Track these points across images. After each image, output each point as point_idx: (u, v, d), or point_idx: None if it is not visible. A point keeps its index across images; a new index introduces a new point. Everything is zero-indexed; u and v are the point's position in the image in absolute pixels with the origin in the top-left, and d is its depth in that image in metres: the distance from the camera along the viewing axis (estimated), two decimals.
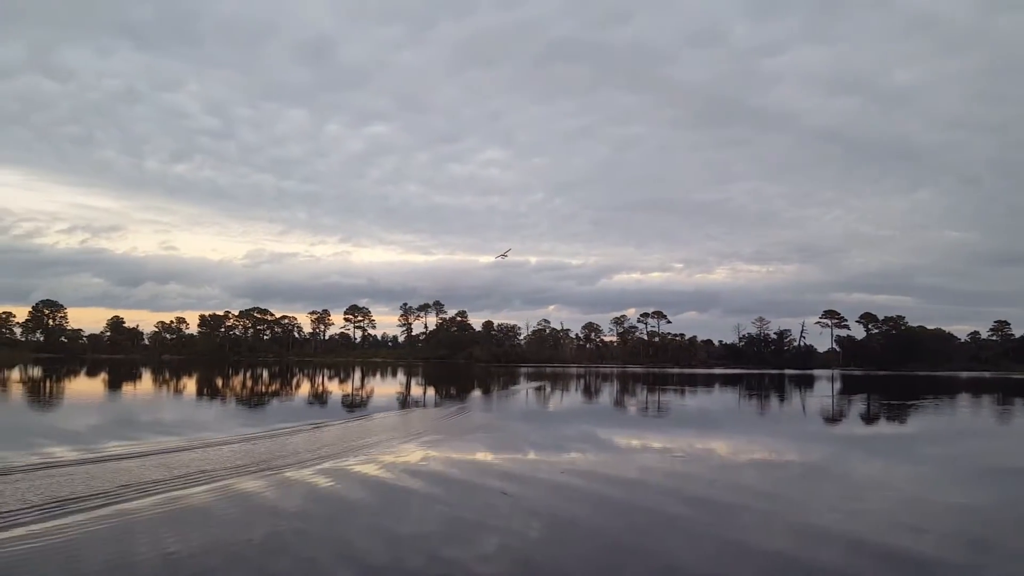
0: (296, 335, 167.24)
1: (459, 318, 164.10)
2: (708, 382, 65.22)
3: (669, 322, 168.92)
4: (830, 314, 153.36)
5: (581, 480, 12.88)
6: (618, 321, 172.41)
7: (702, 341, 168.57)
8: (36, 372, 63.80)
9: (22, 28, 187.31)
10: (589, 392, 47.35)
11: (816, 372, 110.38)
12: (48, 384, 46.06)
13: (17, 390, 39.12)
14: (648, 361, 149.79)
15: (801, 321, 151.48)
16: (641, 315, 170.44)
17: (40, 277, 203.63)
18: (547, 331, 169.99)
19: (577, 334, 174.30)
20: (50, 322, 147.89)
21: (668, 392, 47.40)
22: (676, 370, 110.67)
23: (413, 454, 15.60)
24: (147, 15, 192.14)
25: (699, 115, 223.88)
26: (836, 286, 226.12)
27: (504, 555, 8.17)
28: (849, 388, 58.67)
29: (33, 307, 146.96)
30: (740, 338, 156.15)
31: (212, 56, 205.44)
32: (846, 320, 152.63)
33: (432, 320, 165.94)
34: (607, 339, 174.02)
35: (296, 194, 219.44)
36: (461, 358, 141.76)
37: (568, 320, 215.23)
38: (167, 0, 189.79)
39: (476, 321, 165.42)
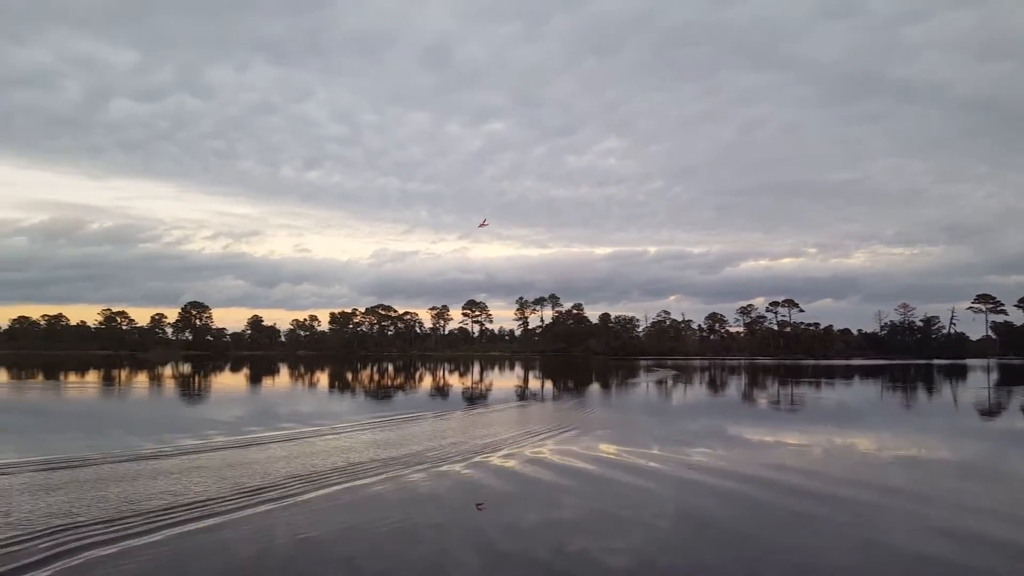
0: (417, 330, 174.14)
1: (575, 311, 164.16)
2: (847, 374, 61.34)
3: (801, 311, 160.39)
4: (984, 298, 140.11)
5: (710, 476, 12.65)
6: (745, 311, 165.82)
7: (839, 330, 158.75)
8: (186, 368, 70.67)
9: (172, 52, 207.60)
10: (714, 385, 45.98)
11: (969, 362, 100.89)
12: (197, 379, 50.94)
13: (170, 384, 43.62)
14: (779, 352, 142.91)
15: (950, 307, 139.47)
16: (770, 304, 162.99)
17: (188, 280, 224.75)
18: (667, 323, 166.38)
19: (700, 325, 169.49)
20: (197, 322, 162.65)
21: (802, 385, 45.11)
22: (811, 362, 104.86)
23: (535, 447, 15.94)
24: (279, 31, 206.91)
25: (831, 91, 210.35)
26: (990, 268, 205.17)
27: (636, 550, 8.25)
28: (1008, 379, 53.21)
29: (182, 308, 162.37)
30: (882, 326, 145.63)
31: (339, 66, 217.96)
32: (1003, 304, 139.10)
33: (548, 314, 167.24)
34: (733, 330, 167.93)
35: (418, 194, 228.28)
36: (578, 351, 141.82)
37: (690, 311, 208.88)
38: (297, 15, 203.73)
39: (593, 314, 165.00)
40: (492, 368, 75.78)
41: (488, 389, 40.43)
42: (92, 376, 52.29)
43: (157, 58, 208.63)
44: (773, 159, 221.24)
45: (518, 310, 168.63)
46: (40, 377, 49.81)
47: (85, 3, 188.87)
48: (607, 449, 15.78)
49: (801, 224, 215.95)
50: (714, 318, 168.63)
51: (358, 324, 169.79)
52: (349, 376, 56.17)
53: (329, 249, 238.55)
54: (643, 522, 9.35)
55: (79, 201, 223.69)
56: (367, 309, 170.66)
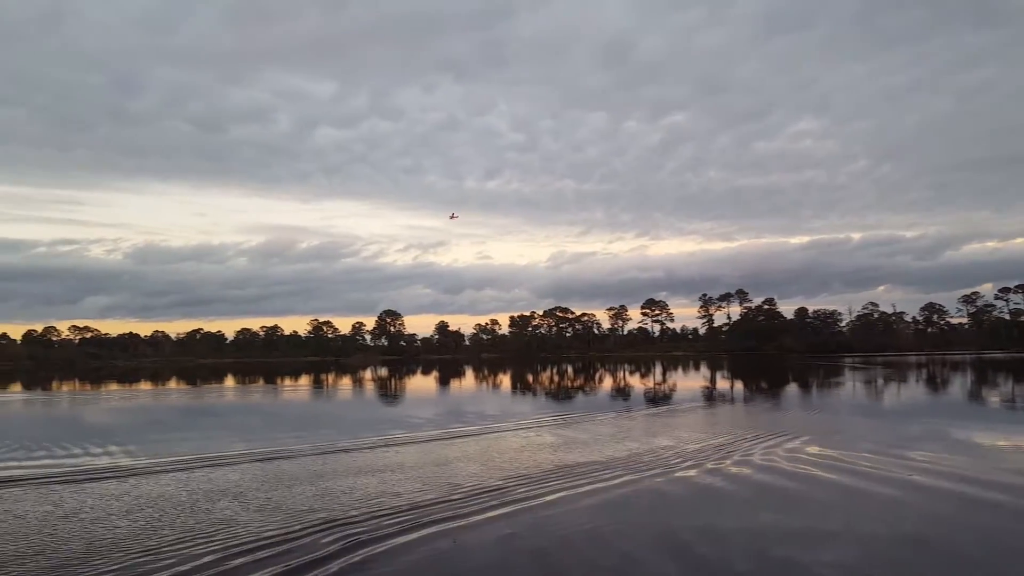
0: (595, 331, 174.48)
1: (766, 306, 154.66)
2: None
3: None
4: None
5: (936, 482, 11.27)
6: (968, 299, 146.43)
7: None
8: (383, 372, 76.77)
9: (365, 79, 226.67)
10: (934, 383, 40.98)
11: None
12: (394, 381, 55.09)
13: (370, 387, 47.56)
14: (1013, 346, 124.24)
15: None
16: (1000, 291, 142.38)
17: (383, 290, 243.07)
18: (875, 315, 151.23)
19: (914, 317, 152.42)
20: (391, 328, 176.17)
21: None
22: None
23: (744, 452, 15.22)
24: (464, 49, 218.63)
25: None
26: None
27: (852, 563, 7.55)
28: None
29: (378, 316, 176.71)
30: None
31: (518, 75, 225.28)
32: None
33: (735, 310, 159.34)
34: (954, 321, 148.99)
35: (594, 195, 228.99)
36: (770, 349, 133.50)
37: (902, 302, 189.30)
38: (480, 31, 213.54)
39: (786, 308, 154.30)
40: (676, 368, 73.75)
41: (672, 389, 39.37)
42: (304, 380, 58.64)
43: (352, 86, 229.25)
44: (1001, 129, 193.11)
45: (702, 307, 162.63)
46: (261, 381, 56.78)
47: (292, 43, 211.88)
48: (814, 452, 14.64)
49: None
50: (931, 309, 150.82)
51: (537, 326, 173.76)
52: (530, 377, 57.61)
53: (508, 254, 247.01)
54: (855, 534, 8.52)
55: (290, 223, 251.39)
56: (545, 311, 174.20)
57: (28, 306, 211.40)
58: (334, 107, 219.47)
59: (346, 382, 54.66)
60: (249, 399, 36.68)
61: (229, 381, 58.48)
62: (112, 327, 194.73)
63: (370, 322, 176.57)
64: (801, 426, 19.51)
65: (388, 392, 41.92)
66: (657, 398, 32.65)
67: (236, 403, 34.05)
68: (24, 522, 9.57)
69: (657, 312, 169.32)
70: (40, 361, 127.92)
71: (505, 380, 53.67)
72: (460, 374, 65.72)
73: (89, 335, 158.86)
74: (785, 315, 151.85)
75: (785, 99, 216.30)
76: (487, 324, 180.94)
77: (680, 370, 69.30)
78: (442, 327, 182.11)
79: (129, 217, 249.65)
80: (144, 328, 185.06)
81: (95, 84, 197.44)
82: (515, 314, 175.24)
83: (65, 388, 51.79)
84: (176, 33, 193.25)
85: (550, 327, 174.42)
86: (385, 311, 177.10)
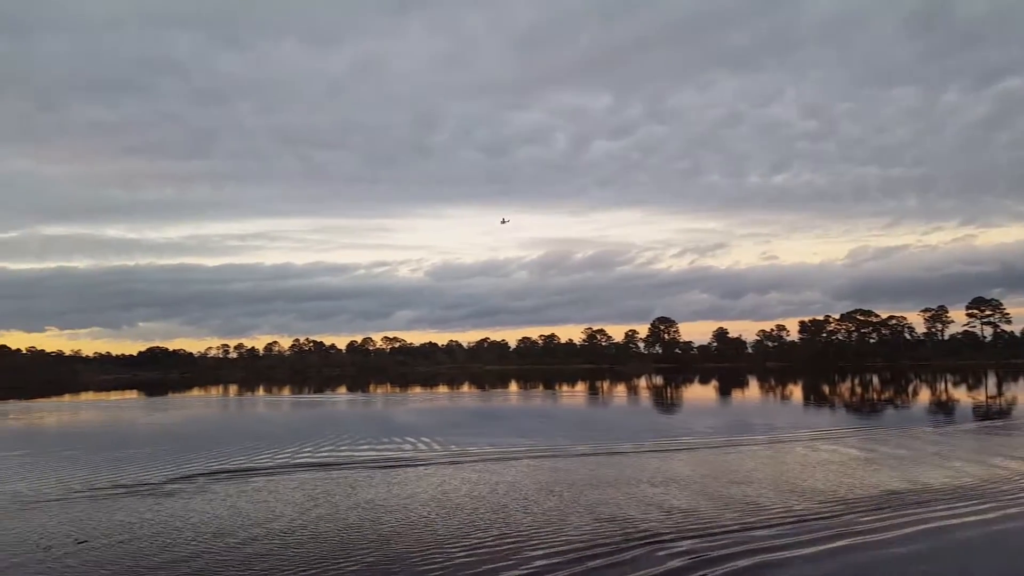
0: (907, 336, 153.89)
1: None
2: None
3: None
4: None
5: None
6: None
7: None
8: (658, 380, 76.21)
9: (639, 85, 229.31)
10: None
11: None
12: (670, 390, 54.38)
13: (646, 395, 47.50)
14: None
15: None
16: None
17: (657, 297, 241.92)
18: None
19: None
20: (665, 336, 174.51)
21: None
22: None
23: None
24: (744, 41, 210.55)
25: None
26: None
27: None
28: None
29: (651, 324, 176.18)
30: None
31: (806, 59, 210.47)
32: None
33: None
34: None
35: (904, 180, 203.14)
36: None
37: None
38: (762, 19, 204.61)
39: None
40: (1016, 380, 61.64)
41: (1012, 404, 32.90)
42: (580, 386, 60.73)
43: (626, 96, 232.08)
44: None
45: None
46: (540, 387, 60.03)
47: (568, 63, 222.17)
48: None
49: None
50: None
51: (832, 332, 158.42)
52: (826, 388, 52.65)
53: (798, 254, 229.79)
54: None
55: (566, 236, 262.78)
56: (843, 315, 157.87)
57: (351, 320, 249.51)
58: (609, 118, 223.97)
59: (621, 389, 55.36)
60: (532, 403, 39.01)
61: (512, 386, 62.88)
62: (416, 337, 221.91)
63: (643, 329, 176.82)
64: None
65: (665, 400, 41.48)
66: (991, 413, 27.55)
67: (524, 407, 36.47)
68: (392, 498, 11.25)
69: (988, 313, 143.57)
70: (360, 367, 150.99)
71: (796, 391, 49.77)
72: (743, 384, 62.54)
73: (398, 345, 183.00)
74: None
75: None
76: (772, 330, 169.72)
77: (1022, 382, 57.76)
78: (720, 334, 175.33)
79: (428, 239, 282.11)
80: (441, 338, 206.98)
81: (400, 123, 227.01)
82: (806, 319, 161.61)
83: (379, 391, 60.19)
84: (467, 69, 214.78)
85: (849, 332, 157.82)
86: (658, 318, 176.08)
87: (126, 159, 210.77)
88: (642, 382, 70.17)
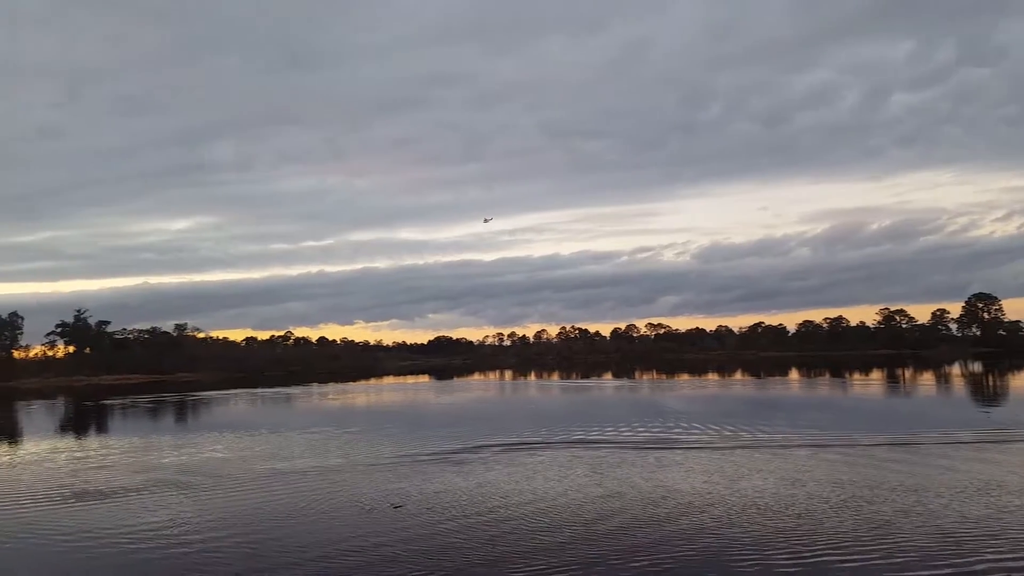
0: None
1: None
2: None
3: None
4: None
5: None
6: None
7: None
8: (976, 367, 65.67)
9: (949, 24, 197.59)
10: None
11: None
12: (992, 379, 46.74)
13: (960, 383, 41.49)
14: None
15: None
16: None
17: (974, 270, 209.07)
18: None
19: None
20: (985, 315, 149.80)
21: None
22: None
23: None
24: None
25: None
26: None
27: None
28: None
29: (966, 302, 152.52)
30: None
31: None
32: None
33: None
34: None
35: None
36: None
37: None
38: None
39: None
40: None
41: None
42: (876, 375, 54.86)
43: (933, 39, 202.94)
44: None
45: None
46: (826, 375, 55.44)
47: (858, 12, 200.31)
48: None
49: None
50: None
51: None
52: None
53: None
54: None
55: (856, 205, 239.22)
56: None
57: (615, 307, 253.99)
58: (911, 68, 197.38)
59: (928, 378, 48.93)
60: (818, 392, 36.40)
61: (793, 374, 59.01)
62: (681, 323, 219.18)
63: (955, 309, 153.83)
64: None
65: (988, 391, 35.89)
66: None
67: (814, 397, 34.25)
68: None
69: None
70: (625, 354, 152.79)
71: None
72: None
73: (662, 331, 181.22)
74: None
75: None
76: None
77: None
78: None
79: (695, 221, 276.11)
80: (709, 323, 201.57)
81: (667, 104, 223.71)
82: None
83: (645, 377, 60.51)
84: (740, 35, 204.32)
85: None
86: (975, 295, 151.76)
87: (413, 169, 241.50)
88: (954, 369, 61.04)
